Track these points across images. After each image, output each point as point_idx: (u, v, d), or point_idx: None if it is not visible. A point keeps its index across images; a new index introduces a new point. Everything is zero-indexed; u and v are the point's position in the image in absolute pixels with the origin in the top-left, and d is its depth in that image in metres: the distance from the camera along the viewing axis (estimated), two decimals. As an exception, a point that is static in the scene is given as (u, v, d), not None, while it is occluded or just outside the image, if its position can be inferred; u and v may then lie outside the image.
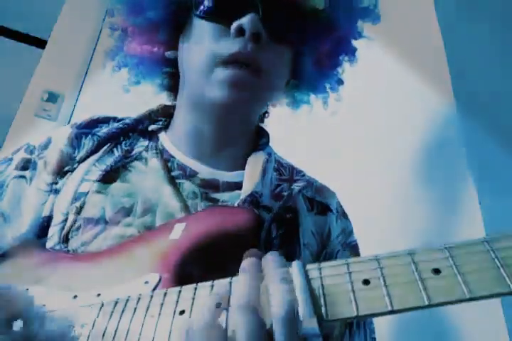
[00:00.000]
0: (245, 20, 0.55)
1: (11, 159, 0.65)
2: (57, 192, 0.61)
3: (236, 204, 0.56)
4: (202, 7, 0.59)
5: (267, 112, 0.78)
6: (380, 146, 1.12)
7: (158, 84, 0.74)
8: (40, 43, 2.09)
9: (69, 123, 1.80)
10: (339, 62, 0.72)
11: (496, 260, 0.30)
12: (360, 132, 1.19)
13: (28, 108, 1.78)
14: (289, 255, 0.58)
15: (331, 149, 1.25)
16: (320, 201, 0.68)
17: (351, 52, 0.72)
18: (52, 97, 1.81)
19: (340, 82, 0.75)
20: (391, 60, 1.03)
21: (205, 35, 0.59)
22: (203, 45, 0.58)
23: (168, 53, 0.66)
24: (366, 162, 1.14)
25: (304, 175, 0.71)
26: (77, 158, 0.63)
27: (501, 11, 1.10)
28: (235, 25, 0.56)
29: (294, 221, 0.62)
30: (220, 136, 0.64)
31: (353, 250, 0.67)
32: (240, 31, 0.56)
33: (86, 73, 1.89)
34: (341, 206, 0.72)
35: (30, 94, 1.81)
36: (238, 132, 0.66)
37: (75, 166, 0.62)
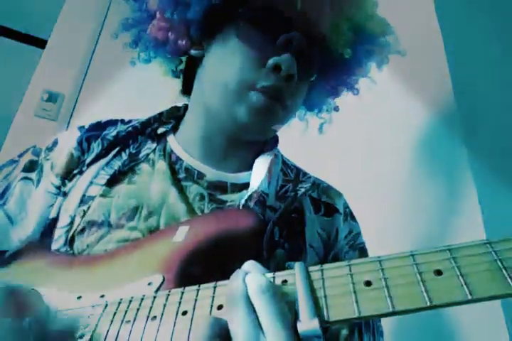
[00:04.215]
0: (283, 61, 0.59)
1: (17, 161, 0.66)
2: (65, 194, 0.61)
3: (243, 201, 0.56)
4: (245, 33, 0.61)
5: None
6: (380, 147, 1.12)
7: (171, 69, 0.74)
8: (40, 43, 2.09)
9: (69, 123, 1.80)
10: (341, 94, 0.78)
11: (498, 262, 0.30)
12: (359, 133, 1.19)
13: (28, 108, 1.78)
14: (294, 256, 0.58)
15: (330, 150, 1.25)
16: (326, 202, 0.68)
17: (354, 87, 0.77)
18: (52, 97, 1.81)
19: (337, 109, 0.81)
20: (390, 60, 1.03)
21: (241, 58, 0.60)
22: (238, 67, 0.60)
23: (194, 52, 0.67)
24: (365, 163, 1.14)
25: (309, 177, 0.71)
26: (87, 161, 0.63)
27: (502, 10, 1.10)
28: (272, 61, 0.59)
29: (299, 221, 0.62)
30: (229, 146, 0.66)
31: (362, 252, 0.68)
32: (277, 68, 0.59)
33: (86, 73, 1.89)
34: (348, 207, 0.72)
35: (30, 94, 1.81)
36: (248, 143, 0.68)
37: (83, 169, 0.62)
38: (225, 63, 0.61)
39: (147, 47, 0.69)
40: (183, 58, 0.73)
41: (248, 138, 0.66)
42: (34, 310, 0.40)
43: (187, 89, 0.73)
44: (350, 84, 0.76)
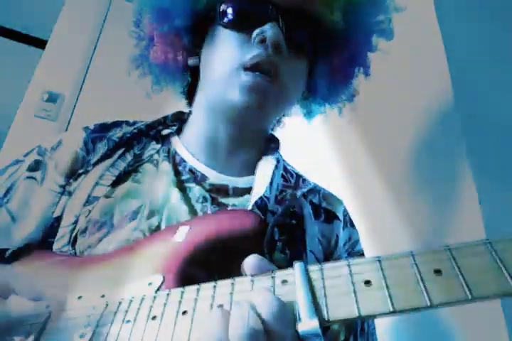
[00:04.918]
0: (267, 29, 0.58)
1: (22, 161, 0.66)
2: (70, 194, 0.61)
3: (250, 208, 0.56)
4: (226, 17, 0.62)
5: (280, 121, 0.80)
6: (379, 146, 1.12)
7: (179, 91, 0.76)
8: (40, 43, 2.09)
9: (69, 123, 1.80)
10: (353, 75, 0.73)
11: (497, 261, 0.30)
12: (358, 131, 1.19)
13: (28, 108, 1.78)
14: (294, 260, 0.58)
15: (328, 150, 1.25)
16: (326, 208, 0.68)
17: (365, 65, 0.73)
18: (52, 97, 1.81)
19: (356, 92, 0.76)
20: (390, 60, 1.04)
21: (228, 43, 0.61)
22: (226, 52, 0.61)
23: (191, 61, 0.68)
24: (364, 162, 1.14)
25: (309, 184, 0.71)
26: (92, 161, 0.63)
27: (502, 10, 1.10)
28: (256, 32, 0.58)
29: (299, 227, 0.62)
30: (233, 140, 0.66)
31: None
32: (261, 39, 0.58)
33: (86, 73, 1.89)
34: (348, 214, 0.72)
35: (30, 94, 1.81)
36: (251, 137, 0.67)
37: (88, 169, 0.63)
38: (216, 54, 0.62)
39: (158, 78, 0.72)
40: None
41: (250, 123, 0.64)
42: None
43: (192, 101, 0.74)
44: (358, 60, 0.72)
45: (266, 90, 0.59)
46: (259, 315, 0.33)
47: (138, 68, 0.72)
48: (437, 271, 0.32)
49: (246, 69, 0.58)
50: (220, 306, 0.36)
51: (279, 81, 0.60)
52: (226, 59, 0.60)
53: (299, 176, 0.71)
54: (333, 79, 0.71)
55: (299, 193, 0.66)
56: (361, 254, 0.69)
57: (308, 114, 0.78)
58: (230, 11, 0.62)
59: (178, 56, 0.67)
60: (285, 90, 0.62)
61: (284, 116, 0.80)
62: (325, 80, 0.70)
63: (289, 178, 0.69)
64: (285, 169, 0.70)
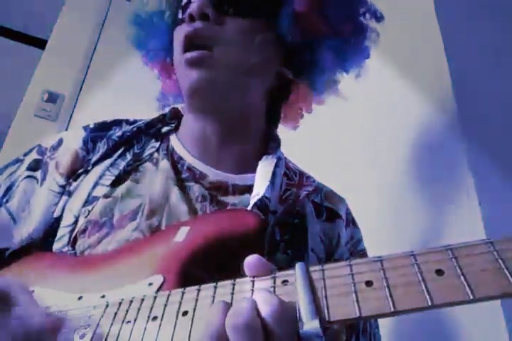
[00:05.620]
0: (192, 6, 0.59)
1: (22, 160, 0.66)
2: (70, 194, 0.61)
3: (250, 208, 0.55)
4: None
5: (280, 109, 0.76)
6: (378, 146, 1.12)
7: None
8: (40, 43, 2.09)
9: (69, 123, 1.80)
10: (359, 25, 0.66)
11: (499, 261, 0.30)
12: (357, 130, 1.19)
13: (28, 108, 1.78)
14: (296, 260, 0.58)
15: (326, 148, 1.25)
16: (329, 207, 0.67)
17: (365, 4, 0.66)
18: (52, 97, 1.80)
19: (373, 40, 0.69)
20: (390, 60, 1.03)
21: (176, 37, 0.63)
22: (176, 46, 0.63)
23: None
24: (364, 162, 1.14)
25: (313, 181, 0.70)
26: (92, 161, 0.63)
27: (502, 10, 1.10)
28: (186, 13, 0.60)
29: (302, 226, 0.62)
30: (221, 133, 0.65)
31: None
32: (189, 15, 0.59)
33: (86, 73, 1.89)
34: (350, 213, 0.71)
35: (30, 94, 1.81)
36: (237, 126, 0.66)
37: (88, 169, 0.62)
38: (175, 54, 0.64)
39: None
40: None
41: (219, 102, 0.63)
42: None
43: None
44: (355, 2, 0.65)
45: (207, 60, 0.59)
46: (258, 313, 0.33)
47: (161, 102, 0.77)
48: (438, 271, 0.32)
49: (185, 51, 0.59)
50: None
51: (218, 48, 0.59)
52: (176, 52, 0.62)
53: (302, 174, 0.71)
54: (309, 35, 0.64)
55: (303, 192, 0.66)
56: (363, 253, 0.68)
57: (315, 89, 0.73)
58: (180, 10, 0.65)
59: (173, 76, 0.71)
60: (229, 55, 0.60)
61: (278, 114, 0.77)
62: (298, 39, 0.64)
63: (292, 176, 0.68)
64: (288, 167, 0.70)
